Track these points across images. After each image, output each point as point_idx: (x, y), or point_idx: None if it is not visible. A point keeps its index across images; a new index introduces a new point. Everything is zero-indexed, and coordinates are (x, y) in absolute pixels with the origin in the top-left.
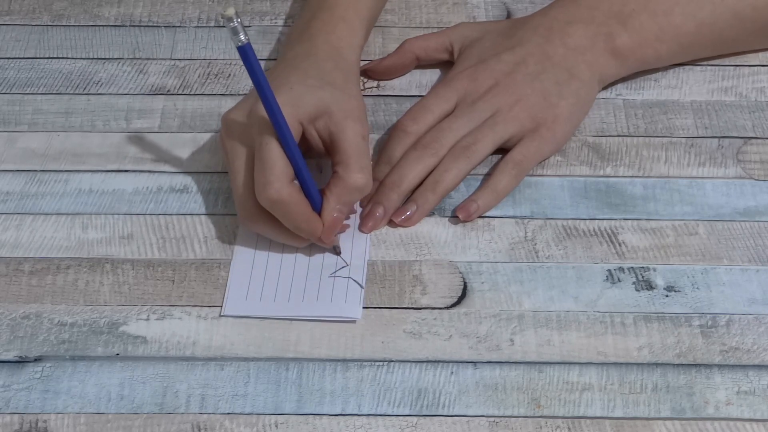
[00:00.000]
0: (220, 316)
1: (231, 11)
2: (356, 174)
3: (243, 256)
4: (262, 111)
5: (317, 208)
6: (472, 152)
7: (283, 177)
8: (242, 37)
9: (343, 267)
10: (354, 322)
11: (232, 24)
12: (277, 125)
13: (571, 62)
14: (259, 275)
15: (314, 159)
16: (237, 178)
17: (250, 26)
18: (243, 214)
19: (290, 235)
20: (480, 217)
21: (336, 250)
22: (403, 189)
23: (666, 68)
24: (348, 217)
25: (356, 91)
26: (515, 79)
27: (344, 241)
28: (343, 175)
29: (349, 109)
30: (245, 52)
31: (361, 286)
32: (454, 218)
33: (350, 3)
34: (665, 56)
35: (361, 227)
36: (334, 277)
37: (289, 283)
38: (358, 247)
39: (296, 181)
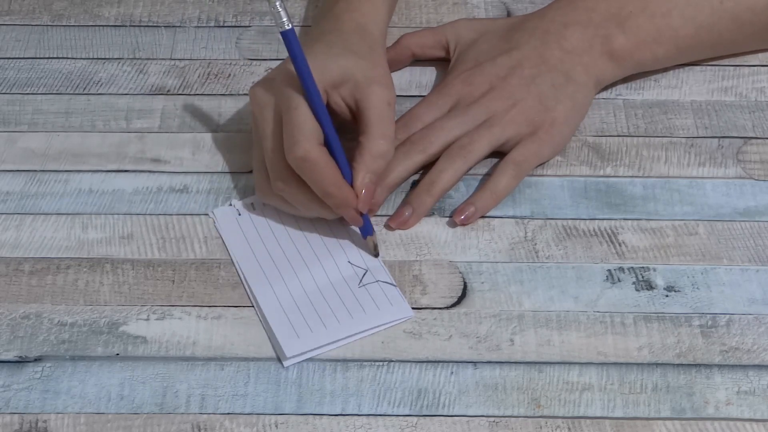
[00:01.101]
0: (283, 364)
1: None
2: (378, 141)
3: (265, 296)
4: (290, 76)
5: (346, 176)
6: (468, 152)
7: (312, 137)
8: (285, 20)
9: (364, 273)
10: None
11: (278, 7)
12: (308, 90)
13: (567, 65)
14: (293, 309)
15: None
16: (267, 144)
17: (250, 26)
18: (275, 176)
19: (319, 203)
20: (480, 217)
21: (375, 250)
22: (387, 183)
23: (666, 68)
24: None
25: (382, 60)
26: (510, 83)
27: (350, 248)
28: (365, 144)
29: (374, 76)
30: (286, 35)
31: (393, 285)
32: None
33: None
34: (662, 59)
35: (344, 221)
36: (365, 285)
37: (326, 306)
38: (365, 250)
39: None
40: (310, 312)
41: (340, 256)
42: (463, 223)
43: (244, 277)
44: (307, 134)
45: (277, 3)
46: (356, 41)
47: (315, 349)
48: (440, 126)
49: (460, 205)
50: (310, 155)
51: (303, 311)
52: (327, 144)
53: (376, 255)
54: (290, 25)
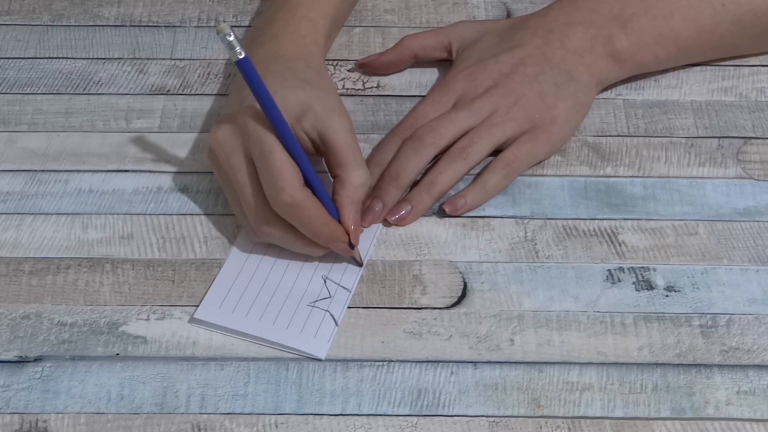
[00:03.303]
0: (192, 317)
1: (225, 26)
2: (356, 171)
3: (234, 261)
4: (253, 113)
5: (330, 211)
6: (468, 154)
7: (294, 181)
8: (238, 50)
9: (324, 298)
10: (320, 360)
11: (229, 38)
12: (281, 131)
13: (570, 64)
14: (242, 285)
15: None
16: (245, 191)
17: (250, 26)
18: (259, 222)
19: (308, 242)
20: (480, 217)
21: (358, 261)
22: (401, 183)
23: (666, 68)
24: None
25: (332, 86)
26: (513, 80)
27: (337, 269)
28: (345, 177)
29: (331, 105)
30: (243, 64)
31: (336, 324)
32: (455, 218)
33: (313, 2)
34: (664, 60)
35: (361, 221)
36: (313, 306)
37: (266, 300)
38: (349, 277)
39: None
40: (250, 295)
41: (322, 269)
42: (452, 213)
43: (233, 248)
44: (288, 178)
45: (229, 35)
46: (303, 68)
47: (222, 327)
48: (448, 118)
49: (452, 197)
50: (297, 200)
51: (246, 291)
52: (307, 180)
53: (359, 264)
54: (243, 54)
